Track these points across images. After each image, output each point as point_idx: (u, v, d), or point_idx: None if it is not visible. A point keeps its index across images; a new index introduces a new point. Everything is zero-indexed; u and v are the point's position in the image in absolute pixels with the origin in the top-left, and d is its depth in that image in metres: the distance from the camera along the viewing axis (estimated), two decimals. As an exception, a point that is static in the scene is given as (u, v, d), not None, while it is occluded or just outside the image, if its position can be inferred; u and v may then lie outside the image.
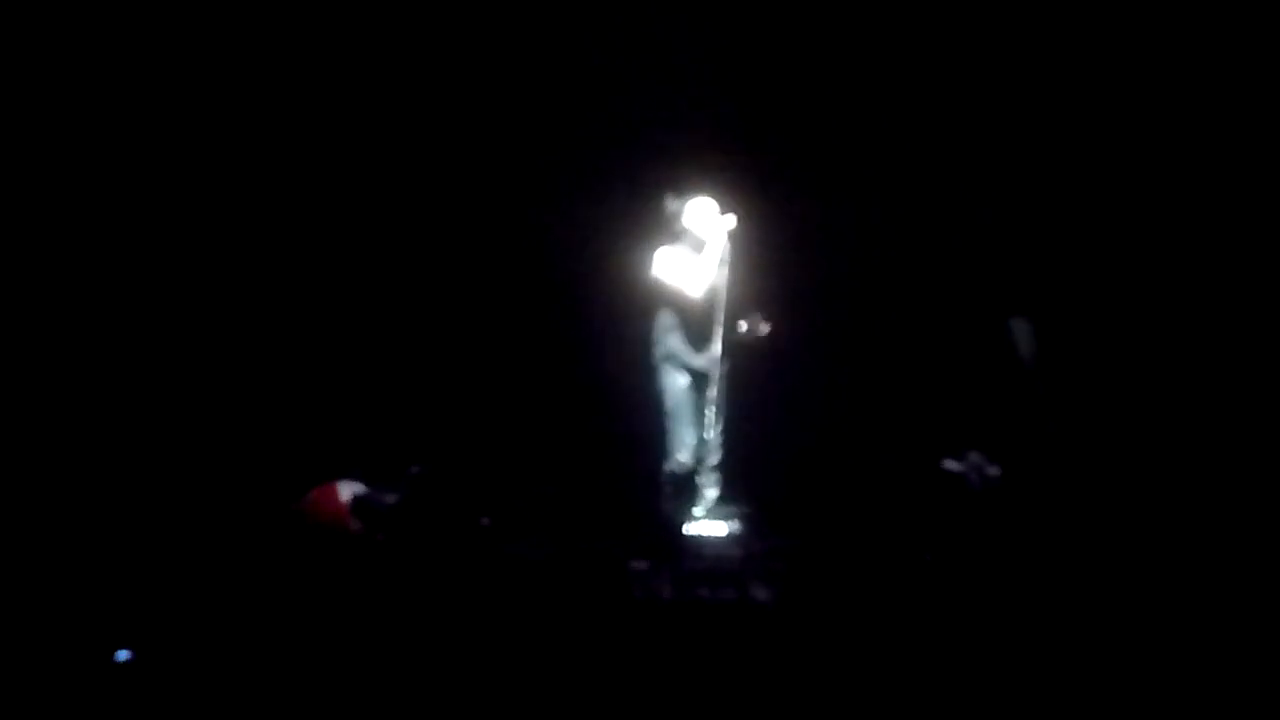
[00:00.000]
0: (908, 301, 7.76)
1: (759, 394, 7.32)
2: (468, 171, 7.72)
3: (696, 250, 6.66)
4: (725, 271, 6.56)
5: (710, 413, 6.53)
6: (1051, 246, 7.31)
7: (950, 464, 6.65)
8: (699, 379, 6.64)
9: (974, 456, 6.62)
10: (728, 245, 6.59)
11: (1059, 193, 7.37)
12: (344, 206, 7.41)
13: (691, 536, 6.33)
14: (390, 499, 6.37)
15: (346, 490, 6.39)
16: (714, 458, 6.67)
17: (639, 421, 7.04)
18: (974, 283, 7.51)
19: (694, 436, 6.55)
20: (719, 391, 6.58)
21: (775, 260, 7.15)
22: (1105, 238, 7.24)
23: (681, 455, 6.52)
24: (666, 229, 6.78)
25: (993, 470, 6.56)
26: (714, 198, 6.75)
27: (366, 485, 6.45)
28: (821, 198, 7.71)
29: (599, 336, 7.82)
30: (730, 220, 6.62)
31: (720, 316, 6.60)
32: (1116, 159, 7.18)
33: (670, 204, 6.80)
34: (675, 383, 6.60)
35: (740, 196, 6.79)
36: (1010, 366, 6.98)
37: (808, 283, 7.60)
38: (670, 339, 6.62)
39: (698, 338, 6.62)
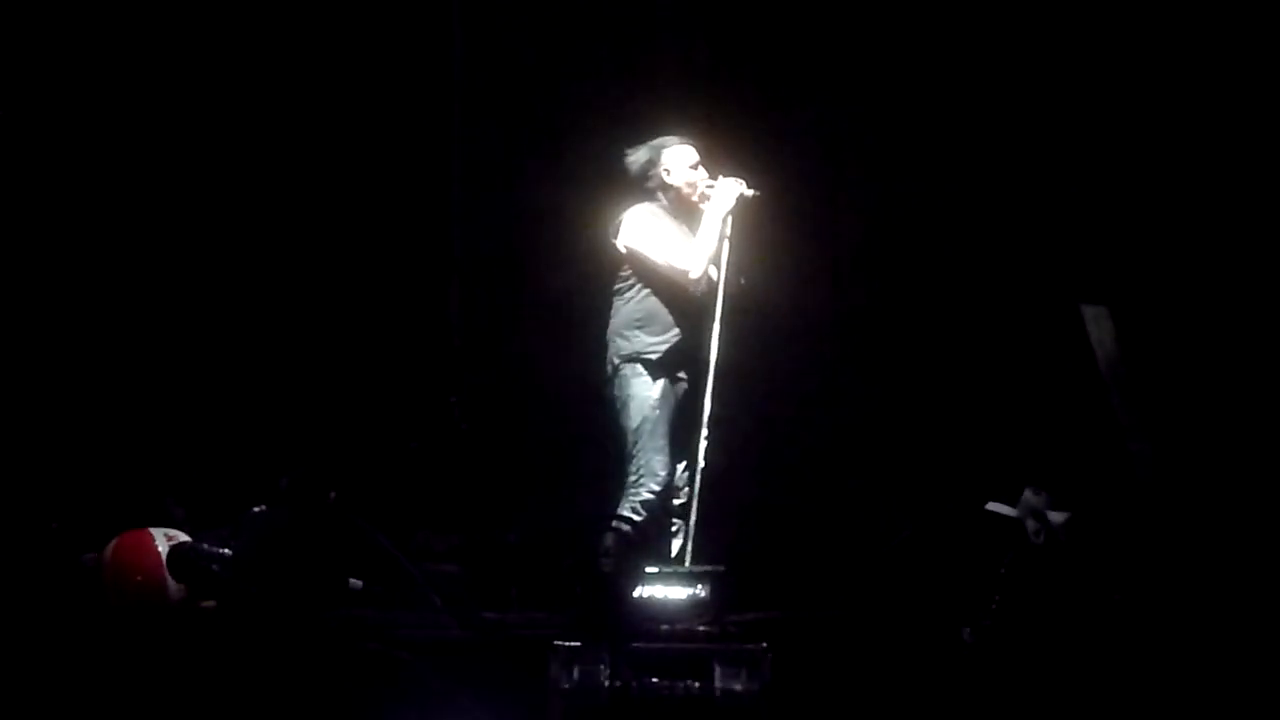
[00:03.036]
0: (949, 292, 7.48)
1: (752, 412, 6.98)
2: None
3: (681, 216, 6.23)
4: (726, 248, 6.15)
5: (691, 436, 6.04)
6: (1143, 210, 7.12)
7: (999, 508, 6.27)
8: (675, 389, 6.18)
9: (1031, 497, 6.21)
10: (733, 216, 6.18)
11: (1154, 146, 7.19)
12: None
13: (643, 603, 5.80)
14: (224, 550, 6.07)
15: (163, 538, 6.10)
16: (682, 495, 6.18)
17: (585, 443, 6.77)
18: (1034, 262, 7.26)
19: (663, 466, 6.09)
20: (709, 407, 6.02)
21: (789, 236, 6.89)
22: (1210, 202, 7.06)
23: (643, 491, 6.05)
24: (637, 183, 6.32)
25: (1057, 516, 6.18)
26: (693, 145, 6.32)
27: (191, 531, 6.19)
28: (857, 155, 7.54)
29: (534, 325, 7.49)
30: (737, 185, 6.15)
31: (717, 307, 6.10)
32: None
33: (639, 149, 6.32)
34: (642, 393, 6.12)
35: (743, 149, 6.54)
36: (1080, 372, 6.72)
37: (827, 264, 7.38)
38: (641, 334, 6.17)
39: (684, 333, 6.16)
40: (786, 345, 7.37)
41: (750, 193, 6.15)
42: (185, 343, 7.41)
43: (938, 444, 7.31)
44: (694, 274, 6.08)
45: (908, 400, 7.48)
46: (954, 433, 7.30)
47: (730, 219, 6.17)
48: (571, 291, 7.01)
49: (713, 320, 6.09)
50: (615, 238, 6.18)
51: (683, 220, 6.24)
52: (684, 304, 6.16)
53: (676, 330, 6.15)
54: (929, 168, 7.50)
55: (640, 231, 6.15)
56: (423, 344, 7.63)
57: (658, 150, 6.28)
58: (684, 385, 6.19)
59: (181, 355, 7.40)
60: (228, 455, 7.07)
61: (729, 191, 6.14)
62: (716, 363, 6.07)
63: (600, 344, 6.25)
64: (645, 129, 6.39)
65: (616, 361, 6.16)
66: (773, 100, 7.57)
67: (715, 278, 6.19)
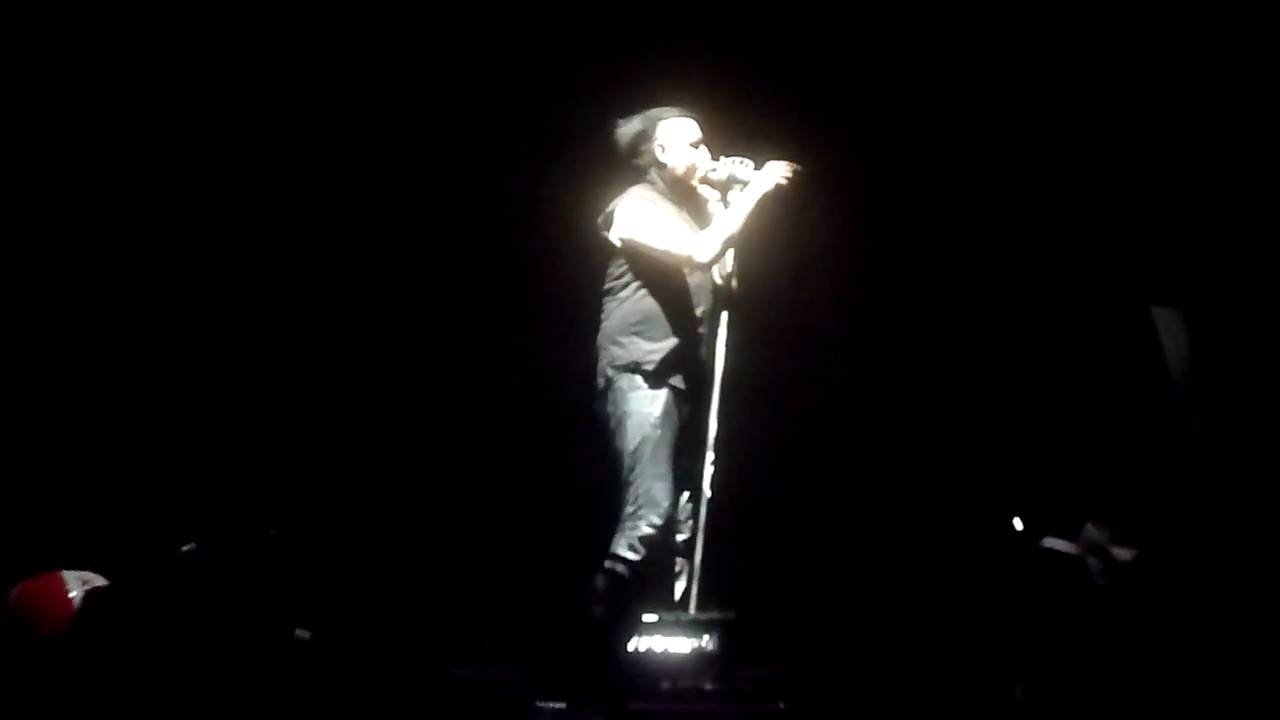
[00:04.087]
0: (996, 296, 6.91)
1: (768, 430, 6.48)
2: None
3: (682, 201, 5.51)
4: (734, 239, 5.41)
5: (695, 458, 5.34)
6: (1219, 207, 6.55)
7: (1057, 544, 5.80)
8: (678, 404, 5.37)
9: (1093, 531, 5.73)
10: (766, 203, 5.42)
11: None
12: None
13: (639, 657, 5.24)
14: (149, 596, 5.51)
15: (76, 582, 5.58)
16: (686, 529, 5.43)
17: (570, 467, 6.13)
18: (1093, 263, 6.70)
19: (665, 494, 5.26)
20: (715, 427, 5.36)
21: (811, 227, 6.22)
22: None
23: (642, 524, 5.22)
24: (626, 159, 5.59)
25: (1123, 553, 5.72)
26: (695, 118, 5.59)
27: (108, 573, 5.65)
28: (888, 137, 6.91)
29: (513, 331, 6.94)
30: (743, 166, 5.44)
31: (723, 307, 5.44)
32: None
33: (631, 120, 5.57)
34: (640, 409, 5.33)
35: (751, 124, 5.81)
36: (1149, 387, 6.20)
37: (854, 262, 6.81)
38: (638, 339, 5.39)
39: (688, 339, 5.40)
40: (801, 353, 6.77)
41: (789, 175, 5.36)
42: (109, 367, 6.96)
43: (980, 469, 6.71)
44: (700, 256, 5.28)
45: (943, 417, 6.87)
46: (1000, 455, 6.69)
47: (753, 203, 5.35)
48: (560, 291, 6.39)
49: (718, 324, 5.35)
50: (607, 229, 5.44)
51: (683, 206, 5.51)
52: (687, 305, 5.39)
53: (680, 335, 5.38)
54: (970, 158, 6.94)
55: (635, 220, 5.36)
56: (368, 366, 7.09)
57: (652, 122, 5.49)
58: (687, 400, 5.44)
59: (105, 380, 6.93)
60: (155, 485, 6.50)
61: (765, 174, 5.36)
62: (724, 374, 5.33)
63: (590, 352, 5.46)
64: (640, 102, 5.63)
65: (610, 373, 5.36)
66: (791, 83, 6.98)
67: (722, 277, 5.45)
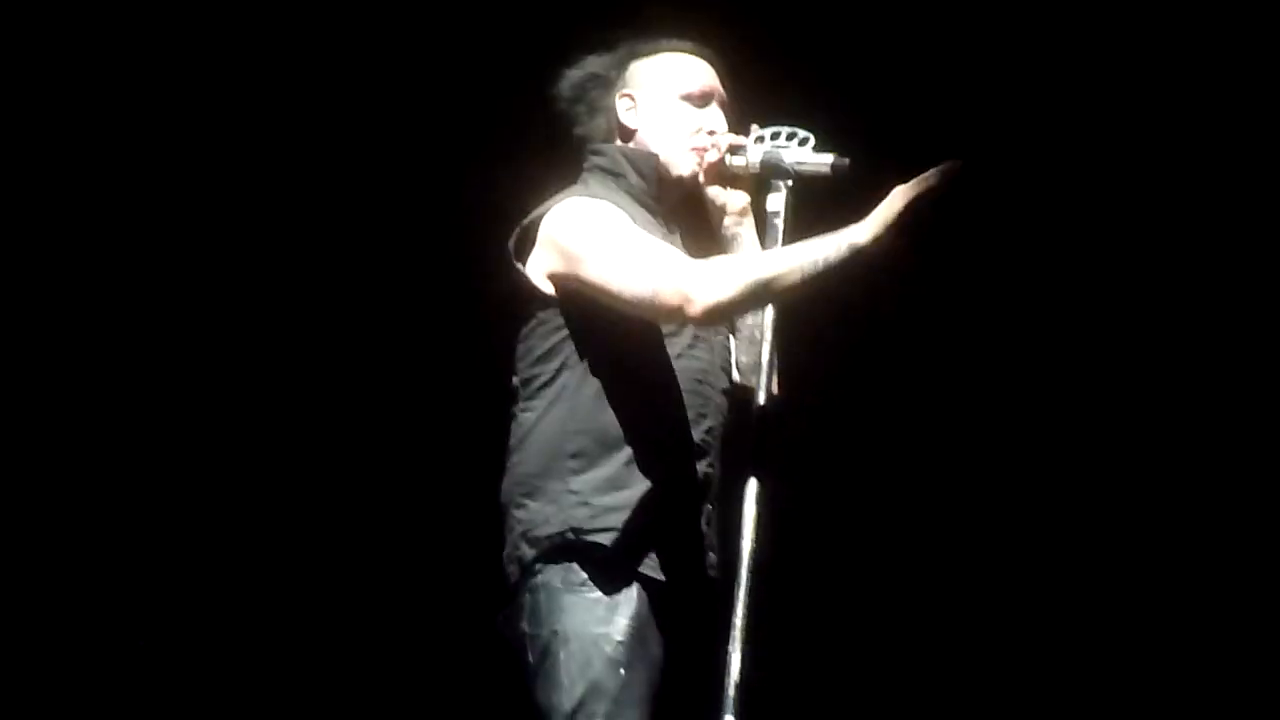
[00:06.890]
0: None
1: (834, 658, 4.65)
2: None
3: (671, 215, 2.98)
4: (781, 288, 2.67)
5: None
6: None
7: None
8: (661, 612, 2.82)
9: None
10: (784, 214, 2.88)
11: None
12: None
13: None
14: None
15: None
16: None
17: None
18: None
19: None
20: (739, 661, 2.70)
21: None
22: None
23: None
24: (568, 130, 3.04)
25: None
26: (703, 53, 3.04)
27: None
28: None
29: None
30: (799, 146, 2.87)
31: (755, 424, 2.84)
32: None
33: (585, 62, 3.02)
34: (587, 628, 2.79)
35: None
36: None
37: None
38: (580, 483, 2.82)
39: (674, 484, 2.87)
40: (892, 508, 4.57)
41: (833, 164, 2.80)
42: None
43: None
44: (701, 294, 2.65)
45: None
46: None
47: (781, 221, 2.79)
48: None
49: (746, 456, 2.73)
50: (520, 262, 2.84)
51: (674, 224, 2.94)
52: (678, 412, 2.81)
53: (665, 476, 2.80)
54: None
55: (574, 238, 2.78)
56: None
57: (619, 61, 2.96)
58: (679, 607, 2.87)
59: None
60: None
61: (795, 164, 2.82)
62: (753, 553, 2.70)
63: (488, 515, 2.88)
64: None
65: (527, 555, 2.80)
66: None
67: (752, 366, 2.86)
